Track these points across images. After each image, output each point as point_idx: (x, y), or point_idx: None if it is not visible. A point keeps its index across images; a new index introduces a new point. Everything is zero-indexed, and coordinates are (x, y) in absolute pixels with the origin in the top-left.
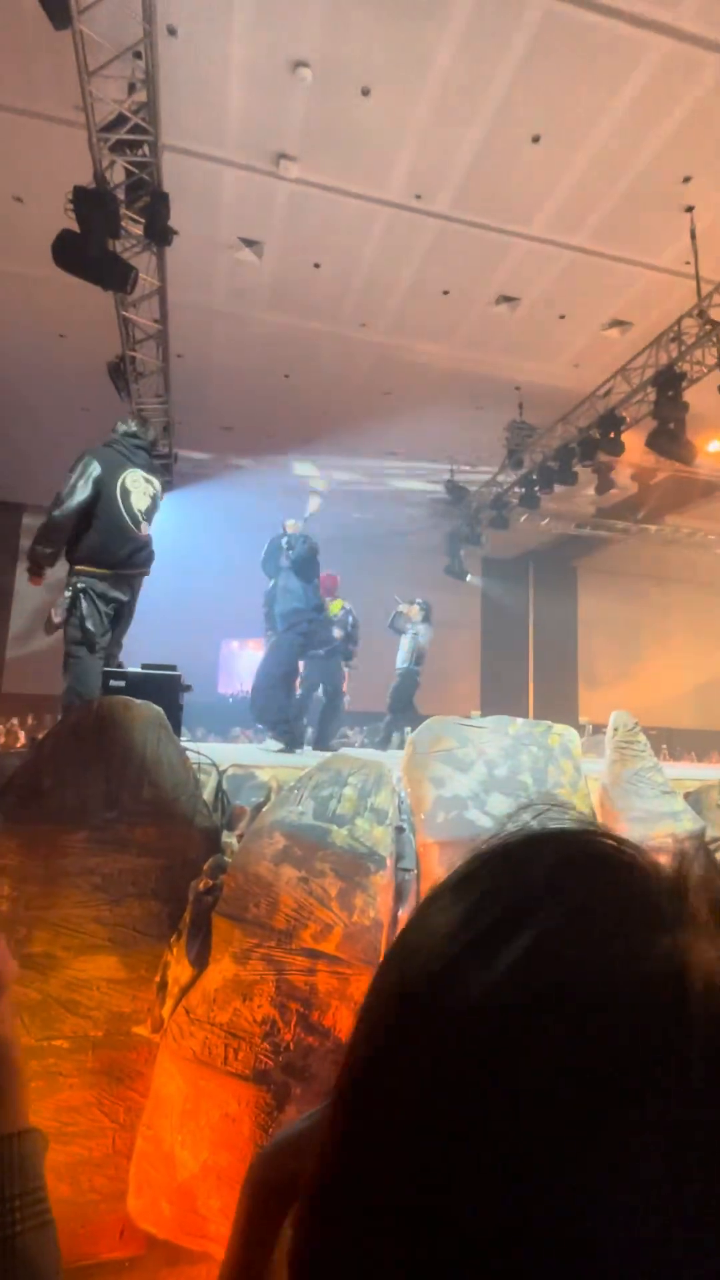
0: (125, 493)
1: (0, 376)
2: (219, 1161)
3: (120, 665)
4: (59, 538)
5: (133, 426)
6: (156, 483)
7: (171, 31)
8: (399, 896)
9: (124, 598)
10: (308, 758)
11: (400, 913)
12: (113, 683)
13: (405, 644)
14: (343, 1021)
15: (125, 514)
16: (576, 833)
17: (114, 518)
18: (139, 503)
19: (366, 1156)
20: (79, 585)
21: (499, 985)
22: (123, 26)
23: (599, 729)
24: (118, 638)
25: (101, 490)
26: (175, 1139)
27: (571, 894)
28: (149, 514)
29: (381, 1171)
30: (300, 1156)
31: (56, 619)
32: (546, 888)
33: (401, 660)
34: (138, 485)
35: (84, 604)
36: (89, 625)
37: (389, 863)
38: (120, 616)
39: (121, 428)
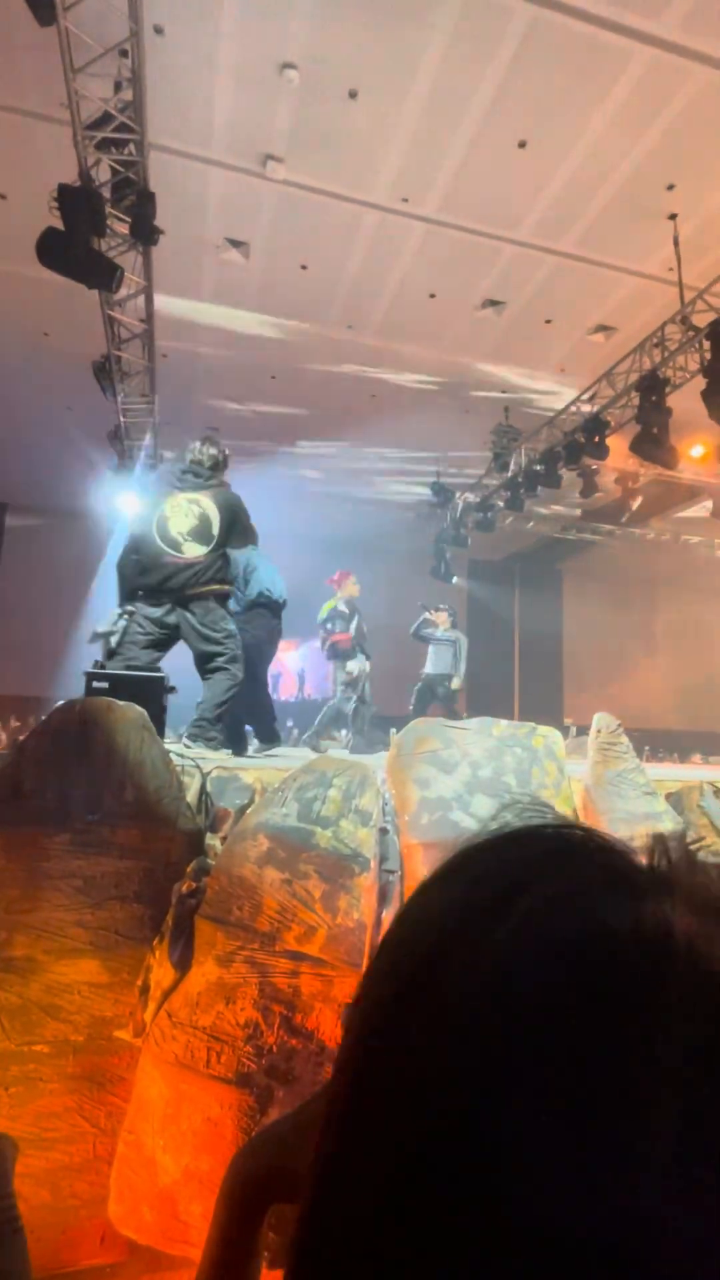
0: (163, 520)
1: None
2: (201, 1166)
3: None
4: (119, 575)
5: (193, 451)
6: (204, 500)
7: (158, 30)
8: (383, 898)
9: (171, 620)
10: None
11: (384, 914)
12: (96, 684)
13: (444, 651)
14: (326, 1024)
15: (160, 541)
16: (563, 825)
17: (148, 547)
18: (179, 525)
19: (368, 1143)
20: (127, 607)
21: (497, 954)
22: (109, 24)
23: (583, 730)
24: (200, 664)
25: (140, 525)
26: (157, 1144)
27: (564, 871)
28: (197, 533)
29: (385, 1156)
30: (282, 1154)
31: (99, 630)
32: (540, 867)
33: (440, 667)
34: (178, 509)
35: (123, 624)
36: (122, 642)
37: (373, 864)
38: (182, 640)
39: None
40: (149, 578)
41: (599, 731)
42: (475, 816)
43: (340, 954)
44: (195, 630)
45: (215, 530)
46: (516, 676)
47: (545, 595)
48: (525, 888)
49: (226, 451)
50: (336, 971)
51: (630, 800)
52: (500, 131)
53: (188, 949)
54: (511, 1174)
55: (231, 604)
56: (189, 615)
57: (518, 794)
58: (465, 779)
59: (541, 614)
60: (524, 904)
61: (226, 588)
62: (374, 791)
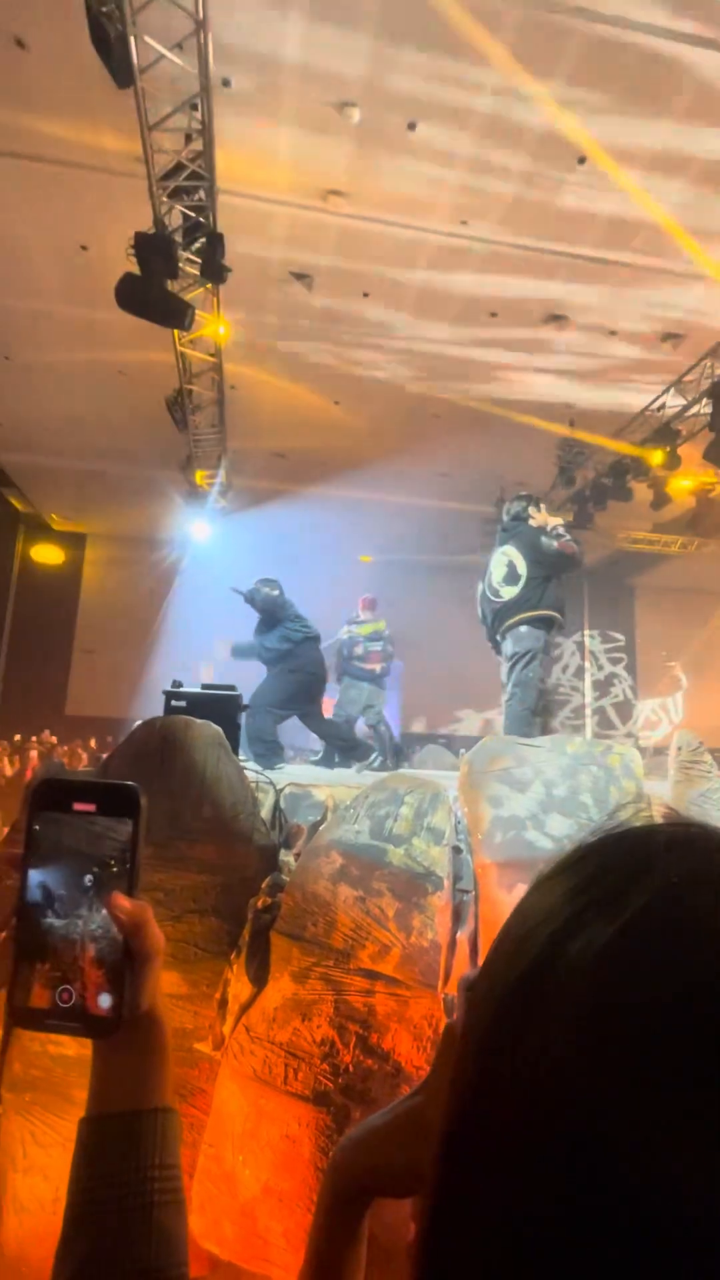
0: (488, 575)
1: (65, 415)
2: (280, 1184)
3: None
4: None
5: (511, 510)
6: (511, 549)
7: (226, 83)
8: (457, 918)
9: (502, 654)
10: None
11: (459, 935)
12: (174, 703)
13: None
14: (402, 1045)
15: (486, 591)
16: (687, 822)
17: (482, 598)
18: (496, 575)
19: (491, 1128)
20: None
21: (618, 938)
22: (180, 81)
23: (660, 749)
24: (528, 681)
25: (480, 583)
26: (237, 1158)
27: (685, 864)
28: (509, 578)
29: (511, 1135)
30: (381, 1148)
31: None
32: (663, 857)
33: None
34: (497, 561)
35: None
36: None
37: (446, 883)
38: (519, 668)
39: None
40: (485, 625)
41: (679, 750)
42: (550, 836)
43: (415, 974)
44: (519, 659)
45: (522, 571)
46: (588, 693)
47: (617, 610)
48: (644, 877)
49: (522, 504)
50: (411, 991)
51: (715, 820)
52: (559, 148)
53: (264, 964)
54: (638, 1167)
55: (280, 640)
56: (514, 651)
57: (599, 814)
58: (539, 798)
59: (613, 629)
60: (639, 897)
61: (538, 613)
62: (446, 809)
